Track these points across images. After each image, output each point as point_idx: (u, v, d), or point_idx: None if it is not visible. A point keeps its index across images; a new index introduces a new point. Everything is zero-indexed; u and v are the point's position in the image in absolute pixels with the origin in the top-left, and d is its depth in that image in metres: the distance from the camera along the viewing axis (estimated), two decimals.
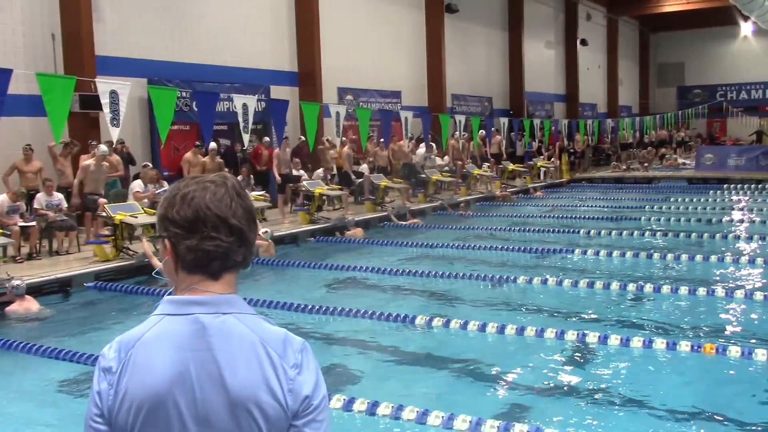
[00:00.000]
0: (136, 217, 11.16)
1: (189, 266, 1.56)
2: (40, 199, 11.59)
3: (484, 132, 23.61)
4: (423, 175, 19.34)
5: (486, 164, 22.64)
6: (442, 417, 4.99)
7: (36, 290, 9.35)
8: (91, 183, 12.17)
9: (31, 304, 8.92)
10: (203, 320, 1.53)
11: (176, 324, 1.53)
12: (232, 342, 1.52)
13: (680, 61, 47.31)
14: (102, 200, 11.84)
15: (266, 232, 12.08)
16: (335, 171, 18.03)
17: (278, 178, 15.50)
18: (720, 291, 8.83)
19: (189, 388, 1.49)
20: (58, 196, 11.87)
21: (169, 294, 1.60)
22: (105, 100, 11.62)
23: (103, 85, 11.78)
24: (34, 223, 11.20)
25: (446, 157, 21.73)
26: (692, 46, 45.78)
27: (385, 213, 16.33)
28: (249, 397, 1.49)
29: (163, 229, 1.58)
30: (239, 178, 14.63)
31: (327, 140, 18.10)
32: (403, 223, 15.80)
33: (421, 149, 20.09)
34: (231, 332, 1.53)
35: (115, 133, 12.06)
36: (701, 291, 8.85)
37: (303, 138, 17.73)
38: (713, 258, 10.98)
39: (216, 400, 1.49)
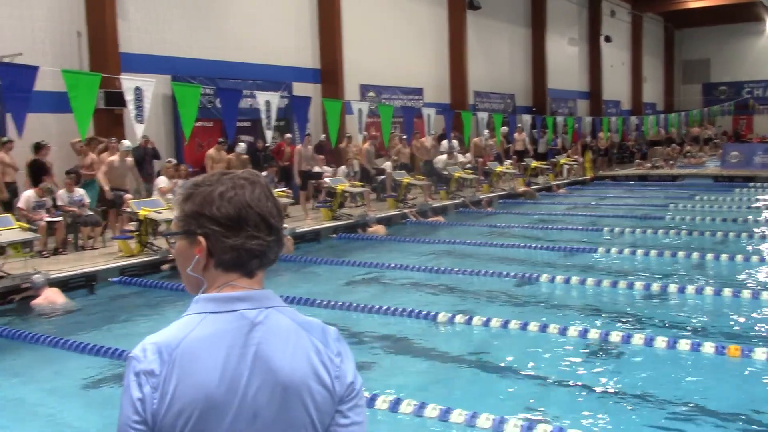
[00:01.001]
0: (161, 213, 11.25)
1: (226, 264, 1.55)
2: (62, 196, 11.70)
3: (506, 129, 23.53)
4: (445, 172, 19.30)
5: (508, 161, 22.56)
6: (465, 415, 4.99)
7: (62, 285, 9.47)
8: (116, 179, 12.29)
9: (55, 297, 9.03)
10: (249, 316, 1.53)
11: (222, 322, 1.51)
12: (280, 335, 1.53)
13: (706, 57, 46.77)
14: (127, 196, 11.95)
15: (284, 227, 12.12)
16: (357, 168, 18.04)
17: (297, 178, 15.53)
18: (746, 292, 8.71)
19: (242, 385, 1.48)
20: (80, 192, 11.96)
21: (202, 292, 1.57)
22: (129, 97, 11.74)
23: (128, 82, 11.90)
24: (60, 219, 11.32)
25: (468, 155, 21.68)
26: (718, 42, 45.25)
27: (406, 210, 16.33)
28: (301, 388, 1.51)
29: (197, 225, 1.55)
30: (263, 174, 14.67)
31: (348, 137, 18.15)
32: (425, 220, 15.79)
33: (443, 156, 20.01)
34: (277, 326, 1.54)
35: (139, 130, 12.18)
36: (727, 291, 8.73)
37: (324, 137, 17.80)
38: (739, 258, 10.84)
39: (269, 394, 1.49)
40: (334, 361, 1.56)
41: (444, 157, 19.78)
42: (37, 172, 12.26)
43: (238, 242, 1.54)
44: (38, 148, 12.56)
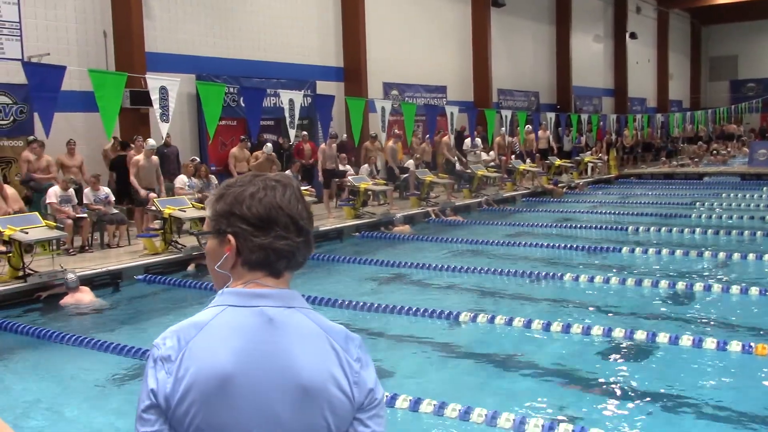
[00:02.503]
0: (185, 211, 11.35)
1: (253, 263, 1.56)
2: (88, 194, 11.85)
3: (530, 127, 23.43)
4: (469, 170, 19.26)
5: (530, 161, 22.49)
6: (486, 414, 4.97)
7: (87, 282, 9.56)
8: (144, 178, 12.40)
9: (84, 295, 9.12)
10: (270, 313, 1.53)
11: (241, 315, 1.52)
12: (300, 335, 1.53)
13: (733, 54, 46.13)
14: (152, 195, 12.06)
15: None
16: (380, 167, 18.05)
17: (320, 175, 15.59)
18: None
19: (257, 382, 1.48)
20: (105, 191, 12.11)
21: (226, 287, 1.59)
22: (155, 96, 11.85)
23: (153, 81, 12.00)
24: (85, 215, 11.44)
25: (492, 153, 21.62)
26: (746, 38, 44.62)
27: (428, 208, 16.31)
28: (319, 390, 1.50)
29: (227, 224, 1.57)
30: (287, 172, 14.72)
31: (373, 135, 18.16)
32: (443, 218, 15.71)
33: (467, 139, 20.28)
34: (298, 326, 1.54)
35: (164, 129, 12.29)
36: (754, 290, 8.63)
37: (345, 136, 17.80)
38: (767, 257, 10.70)
39: (287, 394, 1.49)
40: (353, 367, 1.55)
41: (475, 152, 20.06)
42: (124, 167, 12.88)
43: (266, 242, 1.54)
44: (124, 145, 13.19)
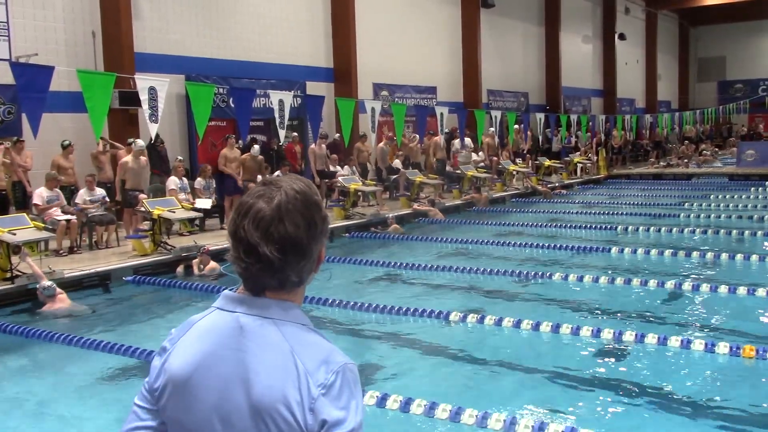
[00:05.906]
0: (174, 212, 11.30)
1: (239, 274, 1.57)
2: (83, 195, 11.81)
3: (518, 126, 23.49)
4: (458, 171, 19.28)
5: (519, 160, 22.53)
6: (476, 415, 4.98)
7: (76, 283, 9.52)
8: (132, 179, 12.35)
9: (62, 304, 8.70)
10: (242, 321, 1.52)
11: (221, 319, 1.55)
12: (264, 348, 1.49)
13: (721, 55, 46.36)
14: (141, 195, 12.01)
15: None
16: (369, 168, 18.03)
17: (316, 177, 15.57)
18: (761, 291, 8.64)
19: (213, 382, 1.50)
20: (101, 191, 12.08)
21: (232, 289, 1.62)
22: (144, 97, 11.80)
23: (142, 82, 11.95)
24: (73, 217, 11.36)
25: (481, 153, 21.65)
26: (734, 39, 44.86)
27: (416, 208, 16.30)
28: (267, 408, 1.46)
29: None
30: (276, 174, 14.68)
31: (362, 136, 18.16)
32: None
33: (463, 152, 20.27)
34: (265, 338, 1.50)
35: (153, 129, 12.23)
36: (741, 290, 8.68)
37: (338, 136, 17.76)
38: (754, 257, 10.76)
39: (238, 401, 1.48)
40: (312, 392, 1.45)
41: (465, 152, 20.00)
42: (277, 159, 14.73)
43: (232, 259, 1.54)
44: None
